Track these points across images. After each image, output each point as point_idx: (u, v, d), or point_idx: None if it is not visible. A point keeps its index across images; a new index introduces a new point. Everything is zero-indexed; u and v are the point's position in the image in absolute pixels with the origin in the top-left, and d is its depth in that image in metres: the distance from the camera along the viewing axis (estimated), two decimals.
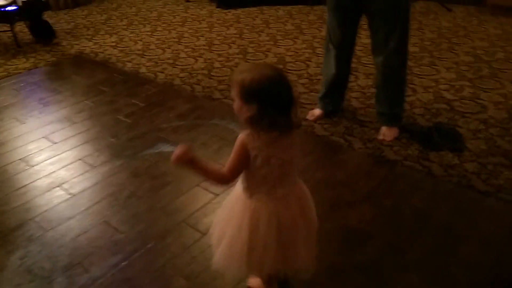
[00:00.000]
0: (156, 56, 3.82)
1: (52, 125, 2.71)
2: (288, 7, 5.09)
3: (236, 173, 1.19)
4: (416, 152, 2.21)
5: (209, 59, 3.70)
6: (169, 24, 4.72)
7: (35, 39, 4.29)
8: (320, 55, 3.58)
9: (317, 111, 2.62)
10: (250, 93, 1.08)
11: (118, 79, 3.38)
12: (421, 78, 3.07)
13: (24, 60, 3.86)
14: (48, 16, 5.25)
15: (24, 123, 2.75)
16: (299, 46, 3.84)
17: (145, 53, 3.90)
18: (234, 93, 1.13)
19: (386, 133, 2.34)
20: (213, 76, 3.34)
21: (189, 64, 3.60)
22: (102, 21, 4.96)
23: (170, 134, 2.55)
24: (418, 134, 2.33)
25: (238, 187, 1.26)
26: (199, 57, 3.75)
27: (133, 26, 4.73)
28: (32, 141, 2.53)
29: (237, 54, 3.77)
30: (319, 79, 3.13)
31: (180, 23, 4.72)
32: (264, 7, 5.15)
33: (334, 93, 2.54)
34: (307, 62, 3.47)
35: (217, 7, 5.30)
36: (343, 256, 1.62)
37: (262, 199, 1.20)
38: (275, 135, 1.12)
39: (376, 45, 2.21)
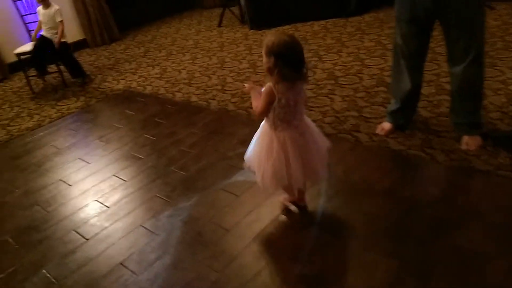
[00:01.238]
0: (203, 84, 3.82)
1: (118, 163, 2.71)
2: (322, 22, 5.06)
3: (265, 112, 1.69)
4: (508, 160, 2.08)
5: (256, 81, 3.67)
6: (208, 51, 4.75)
7: (73, 78, 4.36)
8: (371, 66, 3.51)
9: (386, 125, 2.52)
10: (271, 51, 1.57)
11: (172, 110, 3.39)
12: (487, 80, 2.94)
13: (75, 99, 3.94)
14: (87, 54, 5.41)
15: (90, 163, 2.77)
16: (345, 60, 3.77)
17: (192, 82, 3.92)
18: (263, 51, 1.61)
19: (469, 142, 2.22)
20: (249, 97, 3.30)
21: (237, 89, 3.58)
22: (141, 54, 5.05)
23: (239, 162, 2.50)
24: (504, 140, 2.21)
25: (263, 127, 1.81)
26: (247, 80, 3.74)
27: (173, 56, 4.79)
28: (103, 181, 2.53)
29: None
30: (376, 91, 3.06)
31: (219, 48, 4.75)
32: (298, 24, 5.14)
33: (407, 107, 2.45)
34: (359, 75, 3.40)
35: (250, 29, 5.32)
36: (465, 284, 1.50)
37: (284, 129, 1.72)
38: (290, 83, 1.62)
39: (455, 55, 2.11)
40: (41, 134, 3.32)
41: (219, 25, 5.73)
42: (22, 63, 4.22)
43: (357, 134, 2.56)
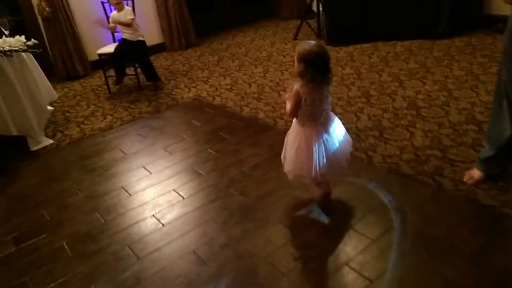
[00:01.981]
0: (272, 100, 3.70)
1: (179, 177, 2.67)
2: (406, 42, 4.71)
3: (295, 111, 1.96)
4: None
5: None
6: (281, 64, 4.63)
7: (147, 81, 4.45)
8: (459, 99, 3.15)
9: (476, 173, 2.20)
10: (302, 57, 1.84)
11: (238, 125, 3.30)
12: None
13: (147, 103, 4.02)
14: (164, 58, 5.54)
15: (152, 173, 2.75)
16: (430, 88, 3.43)
17: (261, 96, 3.82)
18: (295, 57, 1.87)
19: None
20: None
21: None
22: (215, 62, 5.06)
23: (302, 193, 2.32)
24: None
25: (293, 127, 2.08)
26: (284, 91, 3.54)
27: (245, 67, 4.73)
28: (162, 195, 2.49)
29: (359, 96, 3.49)
30: (466, 130, 2.72)
31: (291, 63, 4.61)
32: (378, 43, 4.84)
33: (504, 155, 2.12)
34: (445, 108, 3.06)
35: (327, 45, 5.11)
36: None
37: (311, 125, 1.97)
38: (316, 85, 1.88)
39: None
40: (111, 136, 3.41)
41: (295, 38, 5.60)
42: (103, 62, 4.40)
43: (440, 179, 2.27)
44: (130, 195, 2.53)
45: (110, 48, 4.35)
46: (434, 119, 2.92)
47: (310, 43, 1.87)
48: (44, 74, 3.57)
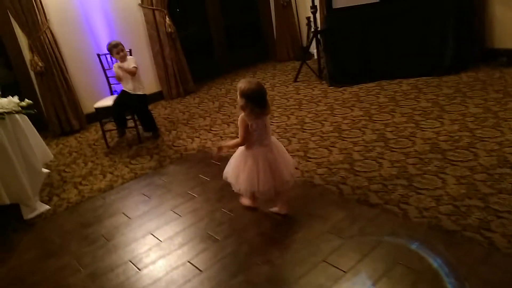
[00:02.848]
0: (287, 147, 3.48)
1: (193, 244, 2.38)
2: (411, 80, 4.60)
3: (246, 138, 2.27)
4: None
5: (345, 148, 3.27)
6: (285, 109, 4.46)
7: (144, 131, 4.26)
8: (485, 139, 2.96)
9: None
10: (242, 94, 2.19)
11: None
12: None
13: (149, 158, 3.77)
14: (162, 106, 5.37)
15: (162, 241, 2.47)
16: (449, 128, 3.26)
17: None
18: (238, 93, 2.23)
19: None
20: (358, 171, 2.87)
21: (323, 156, 3.20)
22: (216, 109, 4.89)
23: (335, 258, 2.05)
24: None
25: (240, 152, 2.39)
26: (332, 146, 3.34)
27: None
28: (176, 268, 2.20)
29: (376, 140, 3.29)
30: (501, 174, 2.51)
31: (297, 107, 4.45)
32: (383, 82, 4.73)
33: None
34: (473, 150, 2.86)
35: (329, 86, 4.99)
36: None
37: (257, 148, 2.31)
38: (257, 115, 2.22)
39: None
40: (112, 197, 3.13)
41: (295, 80, 5.49)
42: (100, 115, 4.20)
43: (490, 235, 2.02)
44: (139, 270, 2.23)
45: (108, 101, 4.16)
46: (464, 163, 2.71)
47: (250, 81, 2.22)
48: (38, 134, 3.34)
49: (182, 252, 2.32)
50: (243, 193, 2.43)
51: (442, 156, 2.86)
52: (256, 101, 2.18)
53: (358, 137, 3.43)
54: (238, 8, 6.99)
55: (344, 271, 1.95)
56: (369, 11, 4.77)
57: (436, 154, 2.90)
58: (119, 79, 4.04)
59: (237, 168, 2.38)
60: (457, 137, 3.10)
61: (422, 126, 3.40)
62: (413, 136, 3.25)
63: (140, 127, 4.26)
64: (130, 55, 4.32)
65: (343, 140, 3.43)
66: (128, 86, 4.02)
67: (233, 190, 2.45)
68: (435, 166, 2.74)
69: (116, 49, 3.93)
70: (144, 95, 4.12)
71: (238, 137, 2.34)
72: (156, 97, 5.57)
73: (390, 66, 4.79)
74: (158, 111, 5.13)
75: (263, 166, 2.29)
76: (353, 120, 3.81)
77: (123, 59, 3.96)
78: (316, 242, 2.20)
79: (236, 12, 6.90)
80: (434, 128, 3.32)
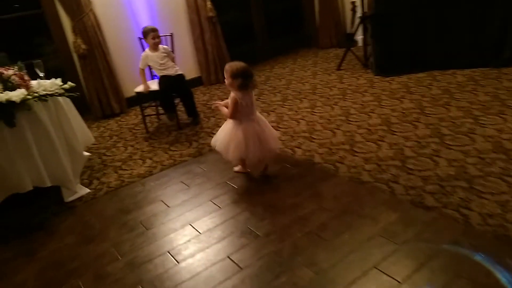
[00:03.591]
0: (327, 140, 3.31)
1: (233, 239, 2.28)
2: (467, 71, 4.26)
3: (234, 113, 2.64)
4: None
5: (395, 143, 3.05)
6: (328, 98, 4.26)
7: (188, 116, 4.21)
8: None
9: None
10: (232, 74, 2.58)
11: (293, 172, 2.91)
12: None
13: (188, 144, 3.70)
14: (201, 92, 5.29)
15: (201, 233, 2.38)
16: None
17: (313, 136, 3.44)
18: (227, 75, 2.61)
19: None
20: (411, 170, 2.65)
21: (371, 151, 2.99)
22: (255, 96, 4.74)
23: (388, 266, 1.88)
24: None
25: (228, 123, 2.76)
26: (381, 141, 3.13)
27: (289, 101, 4.39)
28: (216, 263, 2.10)
29: (430, 136, 3.05)
30: None
31: (340, 96, 4.23)
32: (435, 72, 4.41)
33: None
34: None
35: (375, 75, 4.73)
36: None
37: (246, 121, 2.68)
38: (245, 91, 2.61)
39: None
40: (152, 184, 3.08)
41: (338, 68, 5.24)
42: (142, 99, 4.16)
43: None
44: (178, 263, 2.16)
45: (151, 85, 4.10)
46: None
47: (237, 63, 2.58)
48: (80, 116, 3.33)
49: (222, 246, 2.23)
50: (234, 161, 2.84)
51: (506, 157, 2.59)
52: (247, 77, 2.56)
53: (410, 131, 3.19)
54: None
55: (399, 281, 1.78)
56: None
57: (499, 154, 2.64)
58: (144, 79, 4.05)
59: (227, 139, 2.70)
60: None
61: (482, 122, 3.12)
62: (472, 133, 2.98)
63: (179, 112, 4.20)
64: (172, 39, 4.25)
65: (393, 134, 3.20)
66: (167, 71, 3.96)
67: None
68: (499, 167, 2.49)
69: (153, 34, 3.86)
70: (183, 74, 4.08)
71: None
72: (195, 82, 5.48)
73: (443, 55, 4.45)
74: (197, 97, 5.05)
75: (253, 137, 2.65)
76: (403, 112, 3.57)
77: (155, 46, 3.90)
78: (366, 246, 2.03)
79: None
80: (496, 124, 3.03)
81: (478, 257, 1.83)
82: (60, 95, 2.90)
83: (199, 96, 5.12)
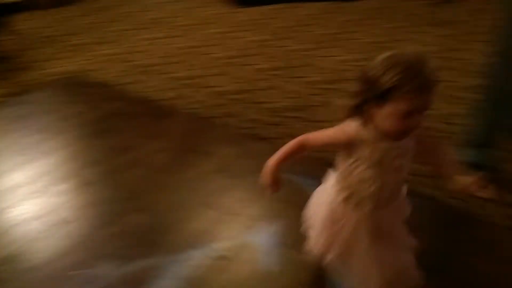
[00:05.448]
0: (169, 75, 3.08)
1: (51, 176, 1.99)
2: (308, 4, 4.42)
3: (317, 144, 1.12)
4: None
5: (238, 77, 3.00)
6: (174, 28, 3.95)
7: None
8: None
9: None
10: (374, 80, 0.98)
11: (130, 110, 2.64)
12: None
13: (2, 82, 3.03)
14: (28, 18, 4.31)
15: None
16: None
17: (158, 70, 3.16)
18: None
19: None
20: (256, 103, 2.65)
21: (220, 85, 2.89)
22: (88, 25, 4.11)
23: (223, 201, 1.87)
24: None
25: (328, 193, 1.20)
26: (221, 74, 3.05)
27: (130, 31, 3.94)
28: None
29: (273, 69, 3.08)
30: None
31: (186, 27, 3.97)
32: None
33: None
34: None
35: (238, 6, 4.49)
36: None
37: (377, 210, 1.12)
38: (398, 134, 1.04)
39: None
40: None
41: None
42: None
43: None
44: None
45: None
46: None
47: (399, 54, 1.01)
48: None
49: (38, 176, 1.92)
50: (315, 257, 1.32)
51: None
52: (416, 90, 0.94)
53: (258, 64, 3.18)
54: None
55: (236, 213, 1.79)
56: None
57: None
58: None
59: (318, 219, 1.27)
60: None
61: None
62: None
63: None
64: None
65: (231, 66, 3.15)
66: None
67: None
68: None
69: None
70: None
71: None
72: (16, 7, 4.43)
73: None
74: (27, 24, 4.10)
75: (365, 240, 1.17)
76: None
77: None
78: (202, 183, 1.99)
79: None
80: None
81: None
82: None
83: (28, 23, 4.18)
